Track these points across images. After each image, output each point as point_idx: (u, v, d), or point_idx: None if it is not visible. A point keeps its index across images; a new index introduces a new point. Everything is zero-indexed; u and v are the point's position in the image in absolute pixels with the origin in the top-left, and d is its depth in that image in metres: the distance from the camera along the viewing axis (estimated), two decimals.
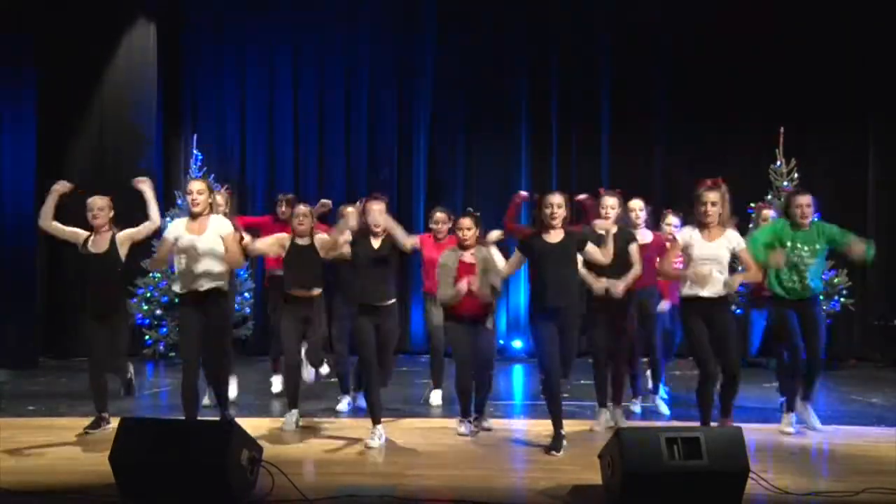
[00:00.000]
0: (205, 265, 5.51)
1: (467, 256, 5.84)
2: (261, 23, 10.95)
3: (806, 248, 5.80)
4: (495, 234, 6.31)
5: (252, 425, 5.19)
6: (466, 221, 5.91)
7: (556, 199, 5.50)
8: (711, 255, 5.40)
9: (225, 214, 6.23)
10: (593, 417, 6.18)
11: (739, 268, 5.97)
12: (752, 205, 8.31)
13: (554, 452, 5.32)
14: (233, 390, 6.84)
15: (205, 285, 5.53)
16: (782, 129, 9.48)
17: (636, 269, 5.93)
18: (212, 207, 5.68)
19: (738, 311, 7.75)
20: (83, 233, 6.01)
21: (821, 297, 6.07)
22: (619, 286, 5.78)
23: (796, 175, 9.37)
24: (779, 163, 9.46)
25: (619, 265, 5.89)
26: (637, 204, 6.54)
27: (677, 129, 10.66)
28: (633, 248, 5.99)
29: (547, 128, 10.90)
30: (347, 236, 5.66)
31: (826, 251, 5.93)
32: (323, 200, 7.41)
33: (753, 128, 10.24)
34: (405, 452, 5.40)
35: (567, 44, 10.82)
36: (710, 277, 5.33)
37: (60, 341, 9.94)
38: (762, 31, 10.20)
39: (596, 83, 10.82)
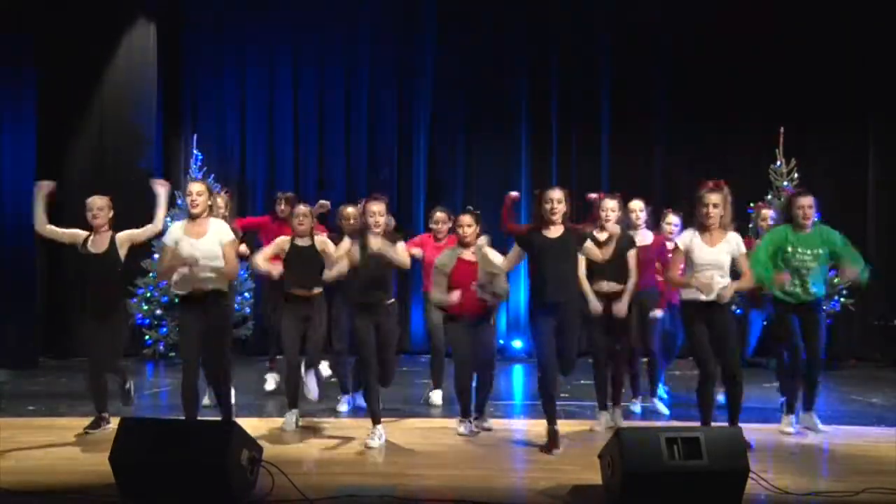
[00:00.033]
0: (204, 271, 5.47)
1: (467, 255, 5.84)
2: (261, 23, 10.94)
3: (808, 253, 5.78)
4: (483, 240, 6.17)
5: (252, 425, 5.20)
6: (467, 218, 5.91)
7: (557, 194, 5.50)
8: (712, 260, 5.36)
9: (224, 217, 6.23)
10: (593, 418, 6.18)
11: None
12: (752, 205, 8.32)
13: (555, 451, 5.33)
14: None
15: (204, 287, 5.51)
16: (782, 129, 9.48)
17: (633, 280, 5.94)
18: (211, 209, 5.65)
19: (738, 310, 7.75)
20: (82, 233, 6.00)
21: (823, 304, 6.01)
22: (621, 308, 5.84)
23: (796, 175, 9.37)
24: (779, 163, 9.46)
25: (618, 268, 5.90)
26: (637, 205, 6.54)
27: (677, 129, 10.66)
28: (632, 255, 5.98)
29: (547, 128, 10.90)
30: (343, 267, 5.63)
31: (828, 256, 5.90)
32: (321, 202, 7.38)
33: (753, 128, 10.24)
34: (405, 452, 5.40)
35: (567, 44, 10.82)
36: (714, 285, 5.31)
37: (60, 341, 9.93)
38: (762, 31, 10.20)
39: (596, 83, 10.82)
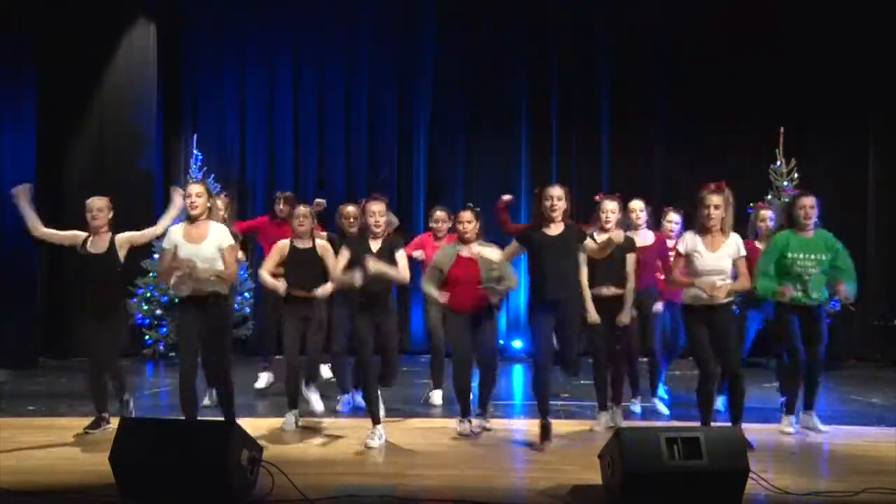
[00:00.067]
0: (204, 275, 5.43)
1: (467, 251, 5.83)
2: (261, 23, 10.95)
3: (810, 259, 5.77)
4: (475, 246, 6.01)
5: (252, 425, 5.19)
6: (467, 215, 5.91)
7: (557, 191, 5.50)
8: (715, 266, 5.35)
9: (224, 220, 6.22)
10: (593, 418, 6.18)
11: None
12: (752, 205, 8.31)
13: (546, 444, 5.36)
14: None
15: (204, 290, 5.49)
16: (782, 129, 9.48)
17: (631, 285, 5.94)
18: (211, 211, 5.64)
19: (735, 310, 7.74)
20: (81, 234, 5.98)
21: (824, 308, 5.99)
22: (624, 318, 5.90)
23: (796, 175, 9.36)
24: (779, 163, 9.46)
25: (617, 269, 5.90)
26: (637, 205, 6.55)
27: (677, 129, 10.66)
28: (630, 260, 5.97)
29: (547, 128, 10.90)
30: (344, 283, 5.64)
31: (829, 262, 5.86)
32: (318, 200, 7.28)
33: (753, 128, 10.24)
34: (405, 452, 5.40)
35: (567, 44, 10.82)
36: (718, 290, 5.30)
37: (60, 341, 9.93)
38: (762, 31, 10.20)
39: (596, 83, 10.82)
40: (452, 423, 5.98)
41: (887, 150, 10.37)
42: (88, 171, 10.09)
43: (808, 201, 5.83)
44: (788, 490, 4.39)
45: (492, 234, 6.29)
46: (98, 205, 5.95)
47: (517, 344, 10.58)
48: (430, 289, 5.81)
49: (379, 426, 5.57)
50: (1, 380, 8.28)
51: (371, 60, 11.02)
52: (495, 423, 6.15)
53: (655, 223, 6.83)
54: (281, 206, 7.50)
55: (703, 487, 4.10)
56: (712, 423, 5.37)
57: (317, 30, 10.98)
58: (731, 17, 10.11)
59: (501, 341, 9.93)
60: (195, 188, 5.64)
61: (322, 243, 6.15)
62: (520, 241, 5.62)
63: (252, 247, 8.88)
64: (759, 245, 6.32)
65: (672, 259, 5.86)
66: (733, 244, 5.41)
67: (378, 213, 5.61)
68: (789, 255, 5.77)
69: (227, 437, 4.22)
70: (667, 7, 10.51)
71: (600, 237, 5.87)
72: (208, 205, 5.59)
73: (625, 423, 5.98)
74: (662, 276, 6.48)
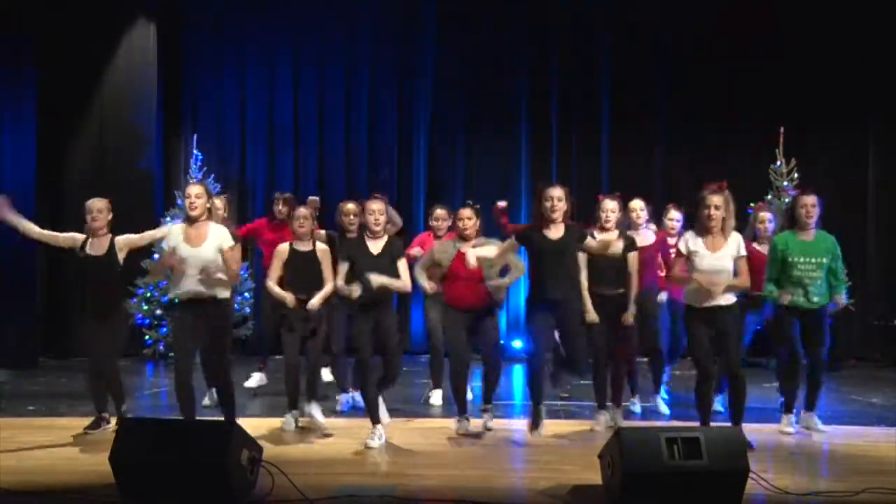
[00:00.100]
0: (203, 276, 5.42)
1: (466, 248, 5.82)
2: (261, 23, 10.94)
3: (811, 262, 5.76)
4: (470, 255, 5.84)
5: (252, 425, 5.19)
6: (467, 212, 5.91)
7: (557, 192, 5.49)
8: (715, 266, 5.34)
9: (223, 220, 6.20)
10: (592, 418, 6.18)
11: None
12: (753, 205, 8.31)
13: (535, 433, 5.45)
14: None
15: (203, 293, 5.46)
16: (782, 129, 9.48)
17: (634, 283, 5.94)
18: (210, 212, 5.63)
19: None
20: (80, 236, 5.96)
21: (826, 311, 5.98)
22: (628, 318, 5.91)
23: (796, 175, 9.36)
24: (779, 163, 9.46)
25: (618, 270, 5.90)
26: (638, 204, 6.54)
27: (677, 129, 10.66)
28: (632, 258, 5.97)
29: (547, 128, 10.90)
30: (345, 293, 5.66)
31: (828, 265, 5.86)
32: (311, 198, 6.98)
33: (753, 128, 10.24)
34: (405, 452, 5.40)
35: (567, 44, 10.82)
36: (717, 285, 5.29)
37: (60, 341, 9.93)
38: (762, 31, 10.20)
39: (596, 83, 10.82)
40: (452, 423, 5.98)
41: (887, 150, 10.37)
42: (88, 171, 10.10)
43: (810, 200, 5.83)
44: (788, 490, 4.39)
45: (492, 234, 6.29)
46: (98, 206, 5.93)
47: (517, 344, 10.57)
48: (421, 276, 5.81)
49: (379, 426, 5.56)
50: (1, 380, 8.28)
51: (371, 60, 11.02)
52: (495, 423, 6.13)
53: (656, 223, 6.83)
54: (280, 208, 7.43)
55: (703, 487, 4.10)
56: (712, 424, 5.36)
57: (317, 30, 10.98)
58: (731, 17, 10.11)
59: (501, 341, 9.93)
60: (194, 189, 5.59)
61: (322, 247, 6.12)
62: (519, 241, 5.62)
63: (252, 247, 8.88)
64: (756, 247, 6.31)
65: (673, 257, 5.87)
66: (734, 244, 5.40)
67: (378, 211, 5.61)
68: (790, 258, 5.76)
69: (227, 437, 4.22)
70: (667, 7, 10.51)
71: (601, 236, 5.87)
72: (208, 206, 5.56)
73: (625, 423, 5.97)
74: (664, 273, 6.48)
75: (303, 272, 6.00)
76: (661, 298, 6.61)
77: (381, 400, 5.79)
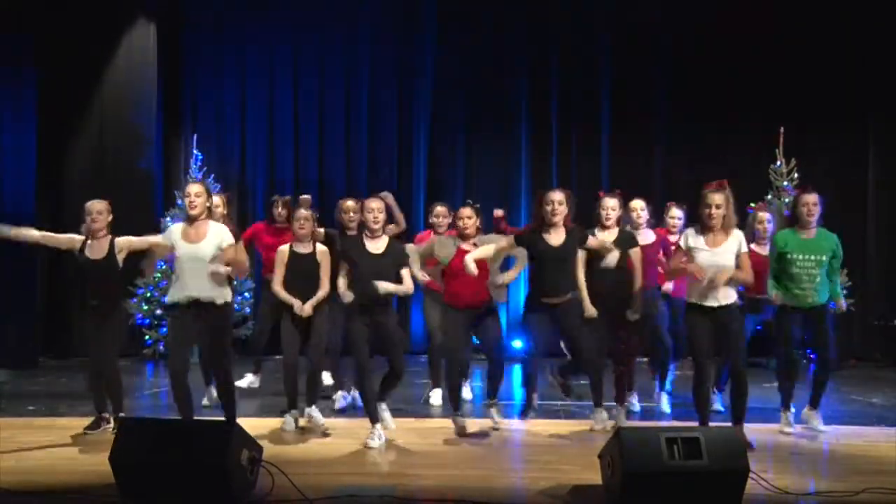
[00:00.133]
0: (203, 276, 5.41)
1: (466, 247, 5.82)
2: (261, 23, 10.95)
3: (811, 259, 5.75)
4: (468, 263, 5.80)
5: (252, 425, 5.18)
6: (467, 211, 5.92)
7: (557, 195, 5.50)
8: (716, 263, 5.32)
9: (223, 217, 6.19)
10: (591, 418, 6.18)
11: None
12: (753, 205, 8.32)
13: (523, 416, 5.71)
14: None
15: (203, 295, 5.45)
16: (782, 129, 9.49)
17: (638, 280, 5.93)
18: (210, 211, 5.63)
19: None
20: (78, 237, 5.94)
21: (827, 309, 5.96)
22: (635, 315, 5.91)
23: (796, 175, 9.37)
24: (779, 163, 9.47)
25: (618, 268, 5.89)
26: (638, 204, 6.54)
27: (677, 129, 10.66)
28: (635, 254, 5.98)
29: (547, 128, 10.91)
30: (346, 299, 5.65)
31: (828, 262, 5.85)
32: (302, 196, 6.97)
33: (753, 128, 10.24)
34: (405, 452, 5.41)
35: (567, 44, 10.83)
36: (719, 275, 5.29)
37: (60, 341, 9.94)
38: (762, 31, 10.21)
39: (596, 83, 10.83)
40: (452, 423, 5.98)
41: (887, 150, 10.37)
42: (88, 171, 10.10)
43: (811, 198, 5.83)
44: (788, 490, 4.39)
45: (488, 233, 6.30)
46: (98, 208, 5.90)
47: (517, 344, 10.55)
48: (415, 264, 5.81)
49: (378, 426, 5.56)
50: (1, 380, 8.28)
51: (371, 60, 11.02)
52: None
53: (656, 223, 6.83)
54: (279, 210, 7.40)
55: (703, 487, 4.10)
56: (712, 424, 5.36)
57: (317, 30, 10.98)
58: (731, 17, 10.11)
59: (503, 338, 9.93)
60: (194, 188, 5.58)
61: (322, 249, 6.11)
62: (519, 244, 5.62)
63: (252, 252, 8.86)
64: (755, 248, 6.30)
65: (673, 251, 5.87)
66: (735, 240, 5.38)
67: (377, 209, 5.62)
68: (788, 255, 5.76)
69: (227, 437, 4.22)
70: (667, 7, 10.51)
71: (601, 234, 5.88)
72: (207, 205, 5.56)
73: (625, 423, 5.97)
74: (663, 270, 6.48)
75: (302, 274, 5.99)
76: (668, 287, 6.56)
77: (384, 406, 5.80)
